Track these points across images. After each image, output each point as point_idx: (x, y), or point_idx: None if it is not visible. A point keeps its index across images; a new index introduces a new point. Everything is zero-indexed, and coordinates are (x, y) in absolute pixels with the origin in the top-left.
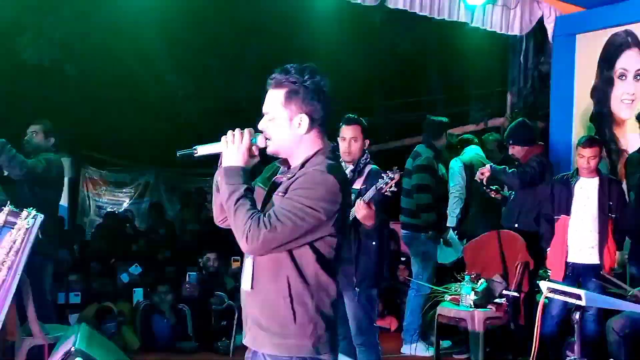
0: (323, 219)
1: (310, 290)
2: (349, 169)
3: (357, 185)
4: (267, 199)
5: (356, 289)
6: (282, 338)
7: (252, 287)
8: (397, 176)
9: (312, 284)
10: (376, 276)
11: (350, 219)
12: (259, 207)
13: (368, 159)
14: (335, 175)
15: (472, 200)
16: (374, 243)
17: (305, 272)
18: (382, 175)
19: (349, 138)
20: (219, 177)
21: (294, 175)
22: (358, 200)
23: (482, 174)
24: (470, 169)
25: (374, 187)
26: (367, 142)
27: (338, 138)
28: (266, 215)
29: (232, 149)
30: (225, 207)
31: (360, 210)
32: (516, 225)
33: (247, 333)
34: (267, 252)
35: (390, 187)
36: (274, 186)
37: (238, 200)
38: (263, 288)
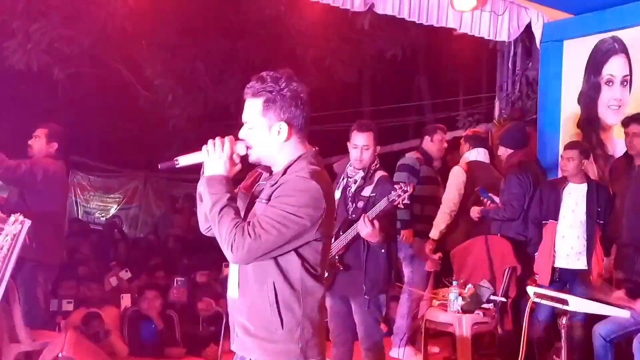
0: (307, 225)
1: (296, 296)
2: (359, 175)
3: (367, 192)
4: (250, 206)
5: (366, 296)
6: (270, 343)
7: (238, 294)
8: (410, 188)
9: (299, 289)
10: (385, 282)
11: (355, 232)
12: (242, 214)
13: (378, 165)
14: (318, 181)
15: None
16: (382, 250)
17: (291, 278)
18: (395, 186)
19: (361, 146)
20: (201, 187)
21: (276, 182)
22: (362, 217)
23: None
24: (470, 172)
25: (386, 198)
26: (378, 148)
27: (348, 143)
28: (250, 224)
29: (213, 157)
30: (209, 217)
31: (364, 228)
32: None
33: (234, 339)
34: (253, 261)
35: (404, 199)
36: (256, 193)
37: (221, 209)
38: (249, 294)
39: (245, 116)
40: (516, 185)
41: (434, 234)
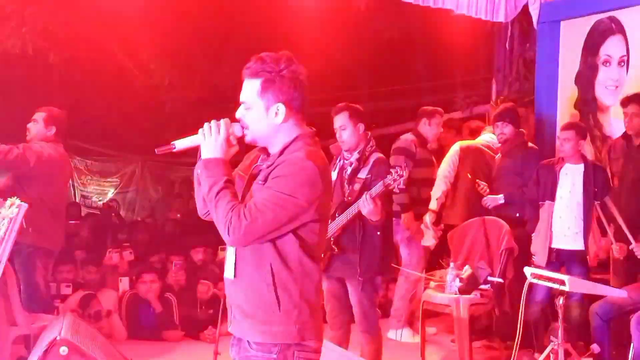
0: (304, 206)
1: (293, 277)
2: (354, 157)
3: (362, 174)
4: (247, 188)
5: (360, 278)
6: (267, 325)
7: (235, 276)
8: (405, 173)
9: (296, 271)
10: (380, 265)
11: (355, 211)
12: (239, 196)
13: (373, 147)
14: (314, 161)
15: (459, 187)
16: (378, 233)
17: (288, 259)
18: (391, 170)
19: (337, 127)
20: (198, 170)
21: (273, 163)
22: (364, 194)
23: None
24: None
25: (382, 182)
26: (362, 126)
27: None
28: (247, 207)
29: (210, 140)
30: (207, 200)
31: (366, 206)
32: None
33: (232, 321)
34: (251, 243)
35: (399, 184)
36: (253, 175)
37: (218, 192)
38: (246, 276)
39: (243, 96)
40: (535, 165)
41: (432, 204)
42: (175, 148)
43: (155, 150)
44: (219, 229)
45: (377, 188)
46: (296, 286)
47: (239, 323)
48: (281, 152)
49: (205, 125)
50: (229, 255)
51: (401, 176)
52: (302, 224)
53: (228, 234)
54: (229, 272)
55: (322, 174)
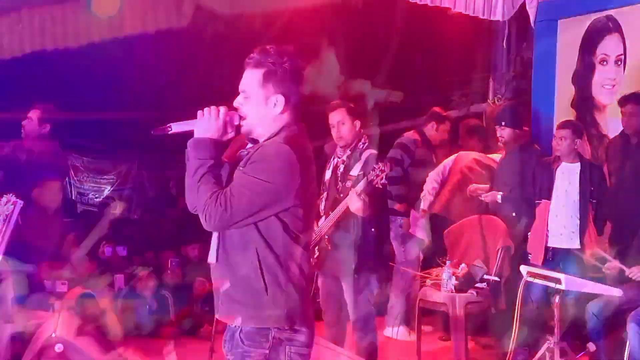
0: (281, 191)
1: (279, 261)
2: (347, 154)
3: (355, 171)
4: (232, 174)
5: (355, 276)
6: (256, 309)
7: (217, 260)
8: (387, 168)
9: (281, 255)
10: (375, 262)
11: (344, 207)
12: (224, 182)
13: (366, 144)
14: (291, 145)
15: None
16: (373, 230)
17: (273, 243)
18: (374, 166)
19: (335, 123)
20: (188, 148)
21: (255, 149)
22: (351, 191)
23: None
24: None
25: (365, 178)
26: (358, 122)
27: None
28: (223, 193)
29: (206, 120)
30: (190, 182)
31: (353, 202)
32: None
33: (219, 306)
34: (229, 228)
35: (382, 179)
36: (238, 161)
37: (201, 177)
38: (233, 261)
39: (243, 85)
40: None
41: (423, 204)
42: (171, 130)
43: (152, 131)
44: (199, 214)
45: (362, 184)
46: (282, 271)
47: (226, 307)
48: (267, 140)
49: (205, 109)
50: (213, 240)
51: (383, 172)
52: (284, 209)
53: (205, 220)
54: (211, 256)
55: (300, 157)
